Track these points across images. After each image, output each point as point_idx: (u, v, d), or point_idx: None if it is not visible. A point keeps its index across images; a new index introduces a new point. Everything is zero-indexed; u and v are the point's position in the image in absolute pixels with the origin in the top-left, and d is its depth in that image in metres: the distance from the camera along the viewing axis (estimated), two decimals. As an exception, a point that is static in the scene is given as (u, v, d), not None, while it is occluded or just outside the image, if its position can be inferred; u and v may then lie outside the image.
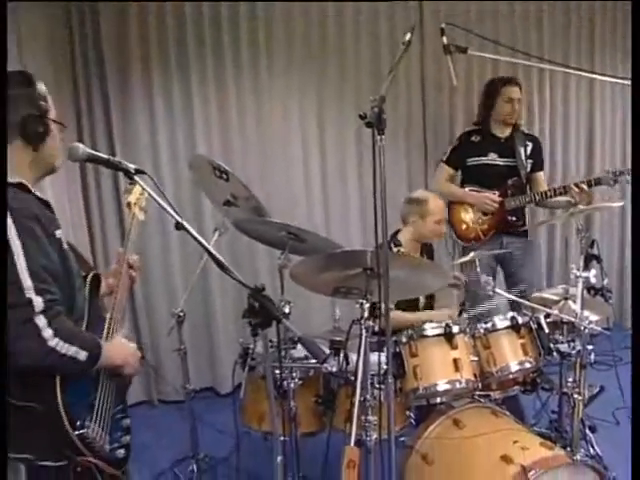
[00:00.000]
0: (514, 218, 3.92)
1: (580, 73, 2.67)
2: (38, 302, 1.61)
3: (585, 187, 3.61)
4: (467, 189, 3.95)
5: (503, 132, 3.94)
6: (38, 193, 1.81)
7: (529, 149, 3.96)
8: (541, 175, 4.08)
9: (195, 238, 1.77)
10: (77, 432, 1.69)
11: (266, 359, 1.86)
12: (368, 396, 2.21)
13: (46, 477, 1.77)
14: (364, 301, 2.26)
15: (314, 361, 2.75)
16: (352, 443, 2.01)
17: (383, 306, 2.07)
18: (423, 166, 4.73)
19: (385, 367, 2.20)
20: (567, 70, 3.76)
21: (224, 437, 3.41)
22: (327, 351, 2.65)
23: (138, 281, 2.33)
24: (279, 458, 1.88)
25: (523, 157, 3.91)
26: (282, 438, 2.52)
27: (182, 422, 3.38)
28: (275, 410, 2.05)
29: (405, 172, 4.75)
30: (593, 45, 4.93)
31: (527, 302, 2.86)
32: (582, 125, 5.06)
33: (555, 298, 3.00)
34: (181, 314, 3.00)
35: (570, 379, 2.62)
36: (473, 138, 3.97)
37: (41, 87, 1.81)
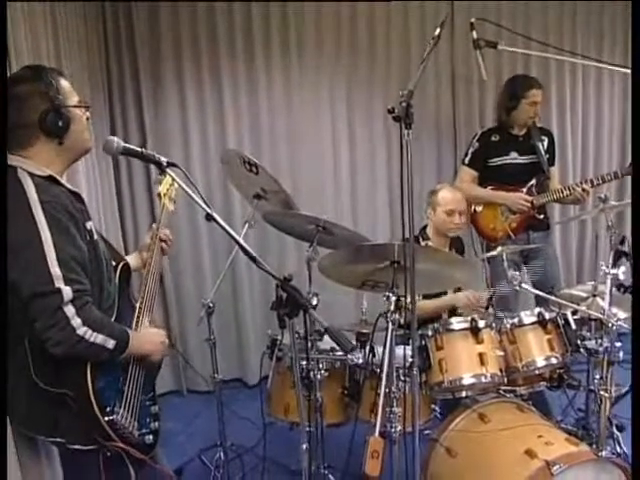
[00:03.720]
0: (542, 216, 3.88)
1: (613, 67, 2.63)
2: (67, 291, 1.65)
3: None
4: (489, 188, 3.91)
5: (521, 130, 3.87)
6: (69, 185, 1.83)
7: (545, 144, 3.89)
8: (554, 170, 4.03)
9: (225, 230, 1.80)
10: (107, 418, 1.73)
11: (294, 350, 1.88)
12: (393, 388, 2.23)
13: (77, 460, 1.84)
14: (391, 294, 2.28)
15: (340, 353, 2.78)
16: (376, 434, 2.04)
17: (409, 299, 2.08)
18: (453, 160, 4.70)
19: (411, 360, 2.21)
20: (600, 65, 3.67)
21: (251, 427, 3.46)
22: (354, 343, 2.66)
23: (168, 268, 2.36)
24: (304, 445, 1.91)
25: (543, 152, 3.86)
26: (308, 428, 2.54)
27: (210, 411, 3.44)
28: (302, 400, 2.07)
29: (435, 166, 4.69)
30: (627, 38, 4.80)
31: (554, 298, 2.84)
32: (615, 119, 4.98)
33: (583, 295, 2.99)
34: (211, 305, 3.04)
35: (597, 376, 2.61)
36: (493, 138, 3.88)
37: (54, 77, 1.78)
